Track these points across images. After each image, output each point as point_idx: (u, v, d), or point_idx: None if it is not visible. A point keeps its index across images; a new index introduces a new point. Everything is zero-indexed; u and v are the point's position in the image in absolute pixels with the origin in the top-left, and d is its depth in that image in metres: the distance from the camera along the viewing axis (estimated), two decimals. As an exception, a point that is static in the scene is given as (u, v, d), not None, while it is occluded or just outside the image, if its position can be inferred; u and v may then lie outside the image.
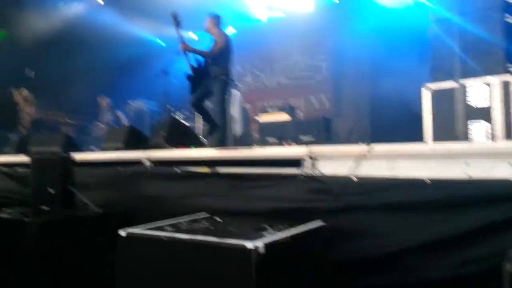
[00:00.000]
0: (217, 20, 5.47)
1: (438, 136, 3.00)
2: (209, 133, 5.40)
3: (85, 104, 10.95)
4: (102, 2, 11.67)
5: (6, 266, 3.17)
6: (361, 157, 2.70)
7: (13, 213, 3.41)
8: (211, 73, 5.23)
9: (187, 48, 5.14)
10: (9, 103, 8.85)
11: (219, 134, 5.19)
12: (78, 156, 4.32)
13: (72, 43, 11.28)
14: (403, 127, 6.83)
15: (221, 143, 5.09)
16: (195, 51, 5.26)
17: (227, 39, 5.33)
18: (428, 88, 4.03)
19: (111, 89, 9.96)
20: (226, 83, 5.33)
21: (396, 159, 2.63)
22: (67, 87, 10.63)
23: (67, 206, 3.51)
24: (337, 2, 9.81)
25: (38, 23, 10.78)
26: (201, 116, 5.41)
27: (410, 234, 2.38)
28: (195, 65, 5.33)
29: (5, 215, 3.36)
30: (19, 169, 4.89)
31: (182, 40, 5.13)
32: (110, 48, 11.25)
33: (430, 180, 2.38)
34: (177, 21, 5.13)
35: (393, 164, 2.63)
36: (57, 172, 3.56)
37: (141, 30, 11.70)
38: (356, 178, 2.70)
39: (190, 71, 5.32)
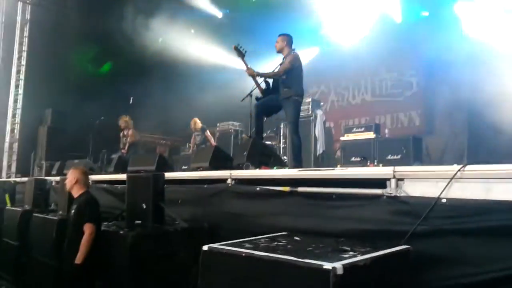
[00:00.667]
0: (288, 39, 5.45)
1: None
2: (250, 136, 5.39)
3: (179, 126, 11.72)
4: (192, 31, 12.53)
5: (102, 272, 3.47)
6: (452, 178, 2.49)
7: (110, 226, 3.75)
8: (282, 95, 5.22)
9: (253, 73, 5.26)
10: (113, 128, 9.88)
11: (295, 151, 5.14)
12: (169, 174, 4.61)
13: (168, 72, 12.26)
14: (504, 145, 6.23)
15: (298, 161, 5.02)
16: (261, 75, 5.31)
17: (295, 59, 5.28)
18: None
19: (202, 112, 10.51)
20: (298, 103, 5.28)
21: (493, 181, 2.39)
22: (164, 111, 11.50)
23: (158, 220, 3.75)
24: (427, 15, 9.33)
25: (140, 54, 11.92)
26: (254, 122, 5.36)
27: (507, 261, 2.13)
28: (266, 87, 5.41)
29: (104, 227, 3.70)
30: (118, 186, 5.35)
31: (248, 67, 5.28)
32: (203, 74, 11.96)
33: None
34: (239, 51, 5.33)
35: (489, 186, 2.39)
36: (149, 189, 3.83)
37: (227, 56, 12.28)
38: (446, 200, 2.50)
39: (260, 95, 5.40)
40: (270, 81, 5.48)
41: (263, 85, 5.44)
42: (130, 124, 9.33)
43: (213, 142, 9.52)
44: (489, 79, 7.08)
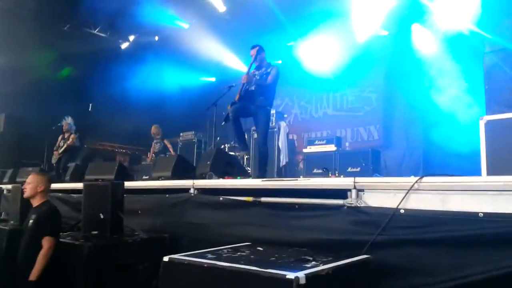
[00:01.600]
0: (264, 51, 5.53)
1: (496, 170, 2.80)
2: (241, 149, 5.53)
3: (140, 135, 11.46)
4: (156, 38, 12.43)
5: (57, 285, 3.30)
6: (410, 190, 2.58)
7: (65, 236, 3.58)
8: (257, 102, 5.27)
9: (250, 80, 5.25)
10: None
11: (261, 162, 5.21)
12: (129, 183, 4.49)
13: (130, 79, 12.03)
14: (459, 158, 6.54)
15: (263, 171, 5.08)
16: (256, 82, 5.29)
17: (278, 72, 5.37)
18: (485, 120, 3.82)
19: (164, 120, 10.36)
20: (269, 114, 5.39)
21: (448, 192, 2.49)
22: (125, 120, 11.22)
23: (116, 231, 3.63)
24: (386, 34, 9.72)
25: (101, 60, 11.63)
26: (233, 127, 5.28)
27: (463, 270, 2.22)
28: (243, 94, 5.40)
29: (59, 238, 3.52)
30: (74, 195, 5.14)
31: (248, 73, 5.32)
32: (165, 82, 11.83)
33: (483, 213, 2.23)
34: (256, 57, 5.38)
35: (444, 197, 2.49)
36: (107, 199, 3.71)
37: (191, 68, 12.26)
38: (404, 210, 2.58)
39: (235, 100, 5.32)
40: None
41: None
42: (73, 128, 8.74)
43: (172, 150, 9.33)
44: (441, 96, 7.45)
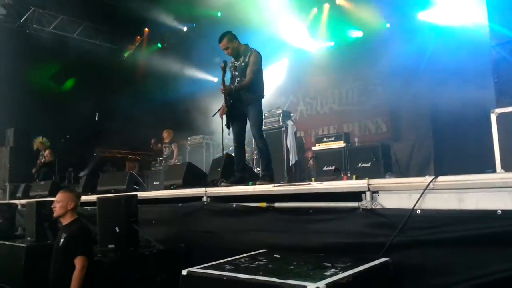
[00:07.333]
0: (234, 36, 4.75)
1: (509, 163, 2.75)
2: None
3: (149, 141, 11.51)
4: (159, 44, 12.48)
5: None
6: (426, 190, 2.56)
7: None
8: (245, 100, 4.64)
9: (229, 89, 4.63)
10: (79, 146, 9.65)
11: (264, 159, 4.64)
12: (141, 194, 4.51)
13: (135, 86, 12.08)
14: (467, 146, 6.47)
15: (269, 169, 4.54)
16: (236, 88, 4.65)
17: (259, 57, 4.66)
18: (496, 113, 3.77)
19: (173, 125, 10.36)
20: (260, 104, 4.73)
21: (464, 191, 2.46)
22: (132, 126, 11.26)
23: (132, 243, 3.65)
24: (388, 26, 9.65)
25: (105, 69, 11.71)
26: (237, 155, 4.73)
27: (484, 269, 2.20)
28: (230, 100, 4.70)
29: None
30: (88, 208, 5.18)
31: (225, 85, 4.64)
32: (173, 88, 11.84)
33: (501, 211, 2.21)
34: (224, 69, 4.73)
35: (461, 196, 2.47)
36: (122, 212, 3.73)
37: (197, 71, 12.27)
38: (421, 211, 2.56)
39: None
40: None
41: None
42: (45, 143, 9.47)
43: (174, 157, 9.27)
44: (449, 87, 7.36)
